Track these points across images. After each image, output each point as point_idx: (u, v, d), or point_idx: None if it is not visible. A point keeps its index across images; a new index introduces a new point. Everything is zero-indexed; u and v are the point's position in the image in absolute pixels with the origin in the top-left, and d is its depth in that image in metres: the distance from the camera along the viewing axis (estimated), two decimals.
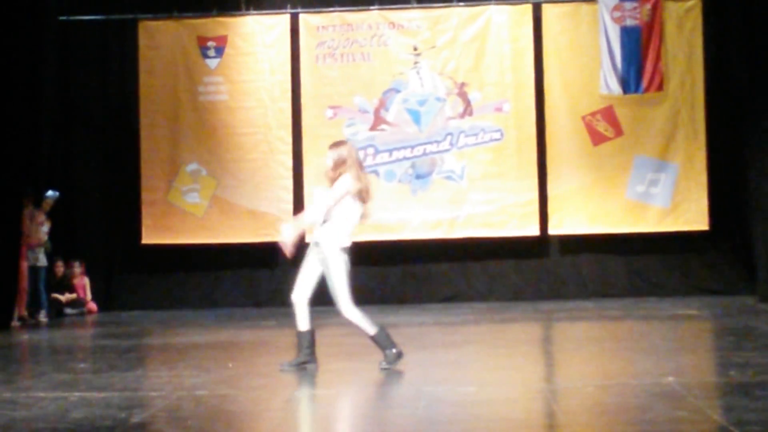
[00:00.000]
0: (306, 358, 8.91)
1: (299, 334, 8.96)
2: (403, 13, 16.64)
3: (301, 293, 8.91)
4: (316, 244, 8.82)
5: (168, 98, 16.75)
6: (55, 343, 12.77)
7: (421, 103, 16.48)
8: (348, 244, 8.80)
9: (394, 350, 8.74)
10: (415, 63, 16.54)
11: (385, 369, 8.64)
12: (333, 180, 8.87)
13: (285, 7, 16.70)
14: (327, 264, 8.74)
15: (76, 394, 7.75)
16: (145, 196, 16.65)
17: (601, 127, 16.21)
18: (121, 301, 16.72)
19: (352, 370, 8.98)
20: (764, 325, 11.99)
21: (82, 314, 16.01)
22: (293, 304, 8.95)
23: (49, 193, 15.55)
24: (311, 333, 8.93)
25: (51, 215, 15.57)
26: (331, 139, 15.11)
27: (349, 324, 8.85)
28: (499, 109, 16.38)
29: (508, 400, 7.34)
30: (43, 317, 15.04)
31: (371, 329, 8.76)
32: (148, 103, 16.75)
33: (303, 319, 8.92)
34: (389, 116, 16.52)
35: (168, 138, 16.72)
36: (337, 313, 8.82)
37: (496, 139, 16.36)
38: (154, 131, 16.72)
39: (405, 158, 16.42)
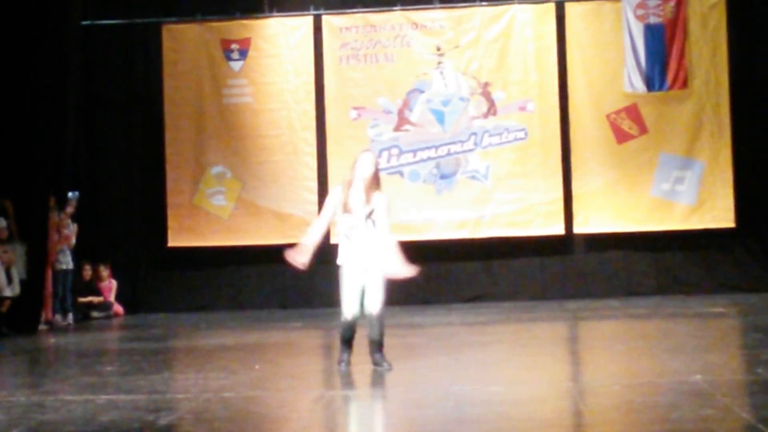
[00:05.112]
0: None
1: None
2: (426, 14, 16.62)
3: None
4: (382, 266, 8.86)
5: (192, 101, 16.79)
6: (81, 346, 12.80)
7: (445, 103, 16.46)
8: None
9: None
10: (439, 63, 16.52)
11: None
12: (370, 189, 8.83)
13: (308, 9, 16.71)
14: (381, 278, 8.85)
15: (104, 397, 7.79)
16: (171, 198, 16.69)
17: (626, 125, 16.15)
18: (148, 303, 16.76)
19: (379, 371, 8.96)
20: None
21: (108, 317, 16.03)
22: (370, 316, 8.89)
23: (70, 194, 15.64)
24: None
25: (77, 218, 15.66)
26: (356, 141, 15.23)
27: (378, 324, 8.83)
28: (522, 109, 16.35)
29: (535, 400, 7.34)
30: (69, 321, 15.08)
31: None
32: (173, 106, 16.79)
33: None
34: (413, 117, 16.50)
35: (193, 141, 16.76)
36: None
37: (521, 139, 16.32)
38: (179, 134, 16.77)
39: (429, 158, 16.40)
